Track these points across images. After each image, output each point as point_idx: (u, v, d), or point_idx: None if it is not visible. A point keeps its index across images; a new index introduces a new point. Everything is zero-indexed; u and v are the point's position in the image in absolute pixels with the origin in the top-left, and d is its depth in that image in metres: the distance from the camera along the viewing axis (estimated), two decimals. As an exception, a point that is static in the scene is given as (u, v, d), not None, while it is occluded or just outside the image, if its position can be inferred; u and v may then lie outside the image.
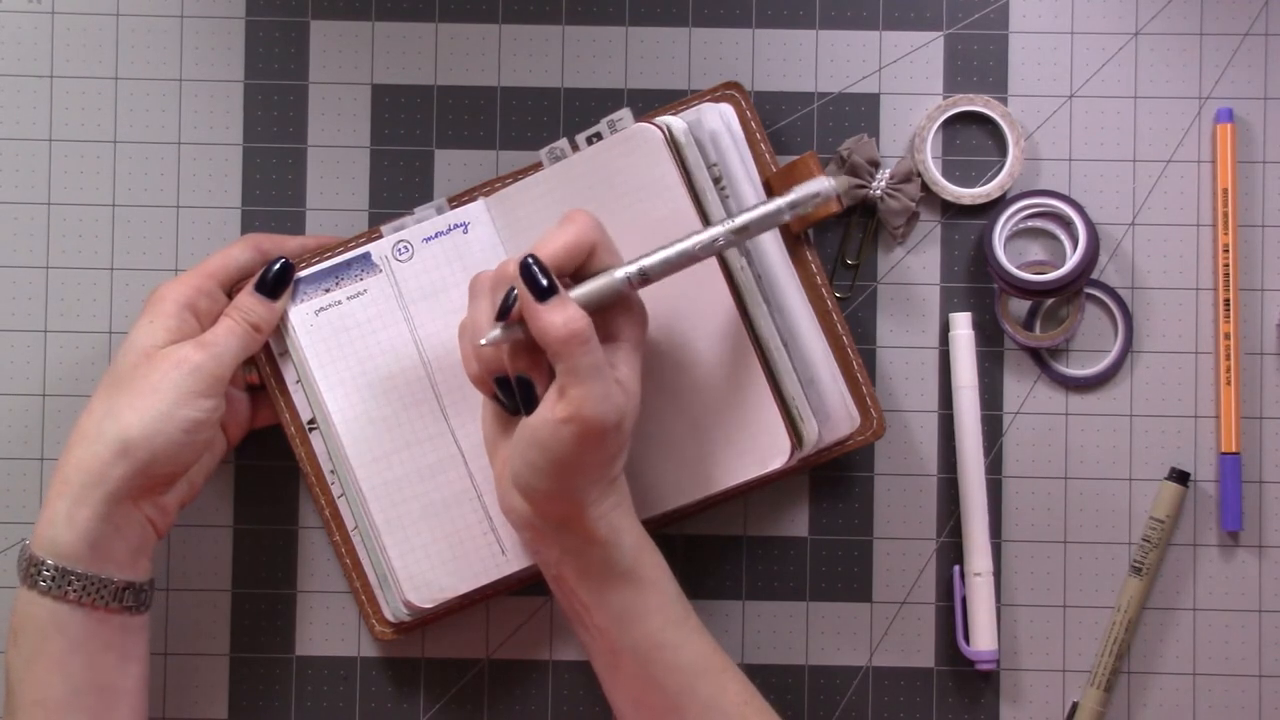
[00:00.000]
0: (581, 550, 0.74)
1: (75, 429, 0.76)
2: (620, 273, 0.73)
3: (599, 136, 0.81)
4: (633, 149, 0.78)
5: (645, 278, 0.73)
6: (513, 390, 0.74)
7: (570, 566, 0.75)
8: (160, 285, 0.79)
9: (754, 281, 0.78)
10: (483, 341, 0.72)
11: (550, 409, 0.71)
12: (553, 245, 0.72)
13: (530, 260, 0.71)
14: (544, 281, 0.70)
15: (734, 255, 0.77)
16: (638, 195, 0.78)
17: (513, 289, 0.72)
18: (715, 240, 0.73)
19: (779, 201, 0.73)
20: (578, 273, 0.73)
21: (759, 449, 0.78)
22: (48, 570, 0.73)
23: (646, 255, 0.73)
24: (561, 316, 0.70)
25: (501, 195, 0.82)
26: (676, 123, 0.78)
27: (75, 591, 0.74)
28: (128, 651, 0.76)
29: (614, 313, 0.73)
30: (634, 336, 0.74)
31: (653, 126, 0.78)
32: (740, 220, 0.73)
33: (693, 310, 0.78)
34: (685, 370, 0.79)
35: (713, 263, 0.77)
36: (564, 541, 0.74)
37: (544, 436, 0.71)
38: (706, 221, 0.77)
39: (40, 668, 0.74)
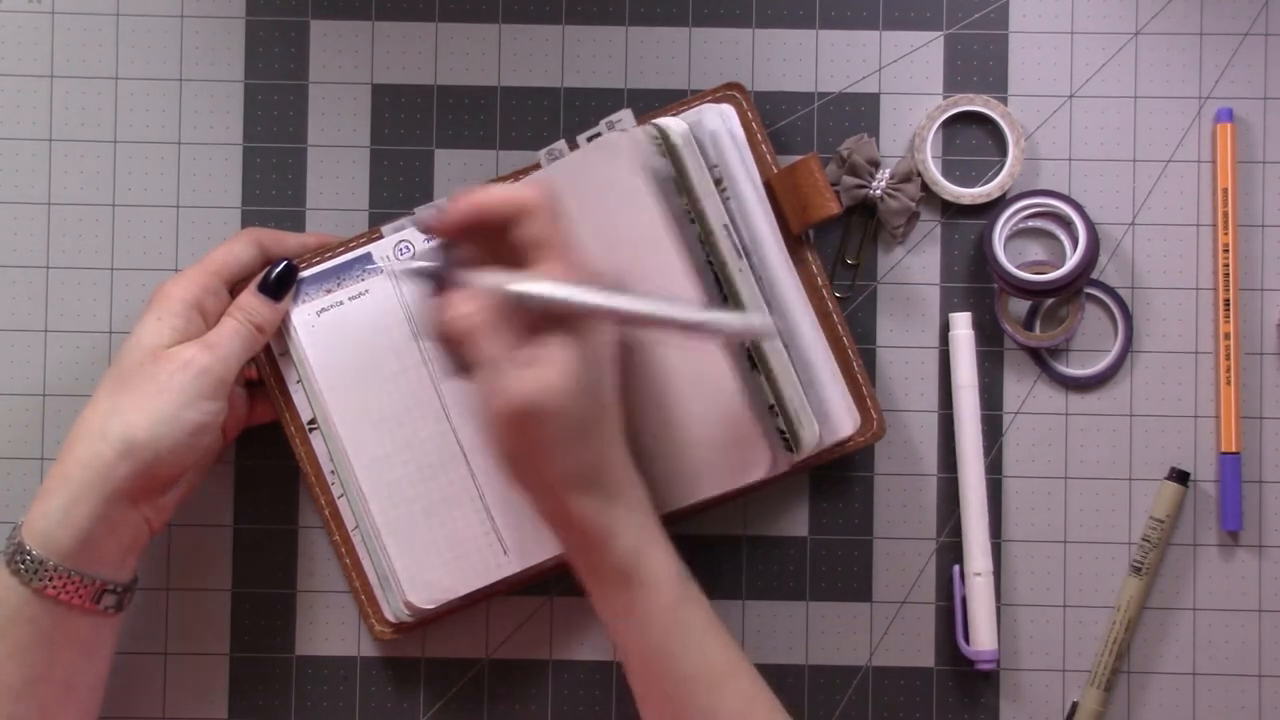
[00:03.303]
0: (577, 548, 0.74)
1: (78, 423, 0.75)
2: (514, 285, 0.71)
3: (599, 137, 0.81)
4: (606, 158, 0.77)
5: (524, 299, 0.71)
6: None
7: (574, 562, 0.74)
8: (165, 282, 0.79)
9: (754, 282, 0.78)
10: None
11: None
12: (484, 197, 0.72)
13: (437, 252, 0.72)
14: (449, 276, 0.72)
15: (732, 257, 0.77)
16: (614, 205, 0.77)
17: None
18: (603, 308, 0.71)
19: (690, 315, 0.70)
20: (523, 251, 0.72)
21: (737, 460, 0.77)
22: (31, 560, 0.73)
23: (544, 282, 0.71)
24: (460, 309, 0.70)
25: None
26: (676, 125, 0.78)
27: (54, 587, 0.73)
28: (93, 649, 0.76)
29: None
30: (572, 322, 0.71)
31: (626, 136, 0.77)
32: (639, 307, 0.71)
33: None
34: (665, 379, 0.78)
35: (686, 275, 0.75)
36: (559, 536, 0.74)
37: (486, 428, 0.72)
38: (701, 231, 0.77)
39: (0, 652, 0.74)
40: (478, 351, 0.70)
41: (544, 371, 0.70)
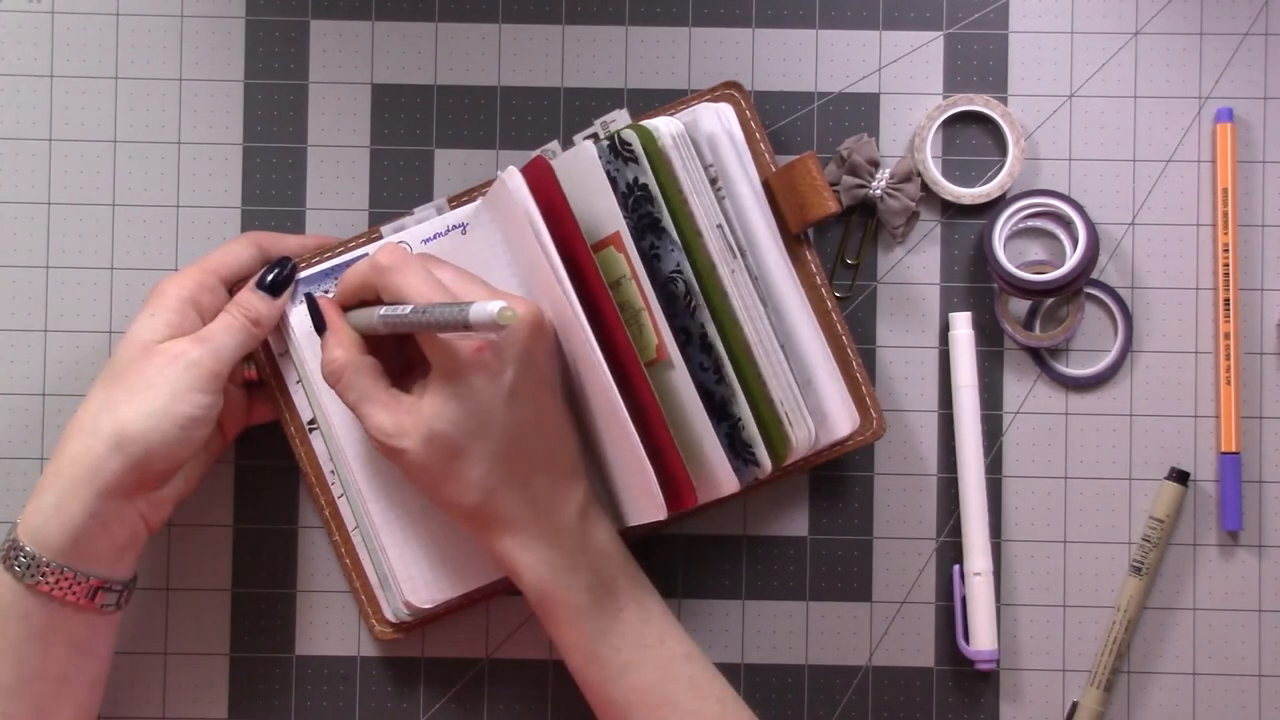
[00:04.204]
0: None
1: (71, 421, 0.75)
2: (379, 313, 0.75)
3: (595, 137, 0.81)
4: (505, 195, 0.77)
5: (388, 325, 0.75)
6: None
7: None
8: (162, 279, 0.79)
9: (750, 281, 0.78)
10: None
11: None
12: (344, 281, 0.78)
13: (308, 298, 0.78)
14: (316, 320, 0.78)
15: (726, 257, 0.77)
16: (514, 237, 0.78)
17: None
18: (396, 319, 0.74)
19: (456, 312, 0.70)
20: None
21: (640, 501, 0.77)
22: (25, 557, 0.73)
23: (395, 308, 0.74)
24: (325, 355, 0.76)
25: (485, 200, 0.81)
26: (667, 124, 0.77)
27: (47, 583, 0.73)
28: (89, 647, 0.76)
29: (429, 346, 0.74)
30: (445, 368, 0.73)
31: (515, 177, 0.76)
32: (421, 316, 0.72)
33: (579, 362, 0.77)
34: (584, 418, 0.79)
35: (582, 323, 0.75)
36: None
37: None
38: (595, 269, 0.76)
39: None
40: (342, 396, 0.76)
41: (389, 419, 0.74)
